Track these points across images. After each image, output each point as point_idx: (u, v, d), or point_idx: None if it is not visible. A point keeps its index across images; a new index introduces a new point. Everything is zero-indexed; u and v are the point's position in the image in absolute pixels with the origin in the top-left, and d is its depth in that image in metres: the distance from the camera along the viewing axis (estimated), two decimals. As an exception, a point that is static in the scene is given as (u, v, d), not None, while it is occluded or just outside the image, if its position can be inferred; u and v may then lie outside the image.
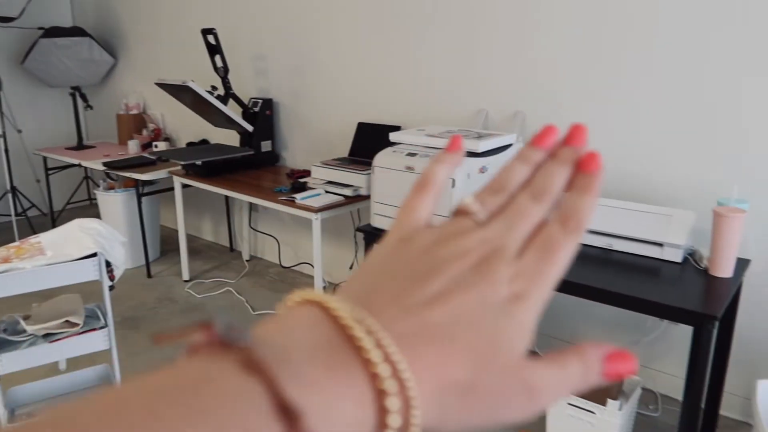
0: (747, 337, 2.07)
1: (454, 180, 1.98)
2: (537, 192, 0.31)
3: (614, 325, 2.37)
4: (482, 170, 2.07)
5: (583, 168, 0.31)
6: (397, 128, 2.82)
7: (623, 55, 2.16)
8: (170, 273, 3.54)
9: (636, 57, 2.14)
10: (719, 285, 1.75)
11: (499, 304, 0.27)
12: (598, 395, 1.81)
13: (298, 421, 0.21)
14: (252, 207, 3.68)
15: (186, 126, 4.00)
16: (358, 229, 2.28)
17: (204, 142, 3.80)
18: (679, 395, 2.26)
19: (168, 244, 4.01)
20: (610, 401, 1.78)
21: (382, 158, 2.17)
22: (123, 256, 2.13)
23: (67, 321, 1.97)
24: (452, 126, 2.63)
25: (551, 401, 0.27)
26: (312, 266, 3.42)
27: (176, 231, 4.11)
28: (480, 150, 2.06)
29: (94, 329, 1.98)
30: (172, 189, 3.44)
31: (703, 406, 2.13)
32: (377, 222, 2.22)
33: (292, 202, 2.59)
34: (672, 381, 2.26)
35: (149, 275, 3.48)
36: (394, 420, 0.23)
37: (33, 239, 2.06)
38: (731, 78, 1.97)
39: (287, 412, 0.21)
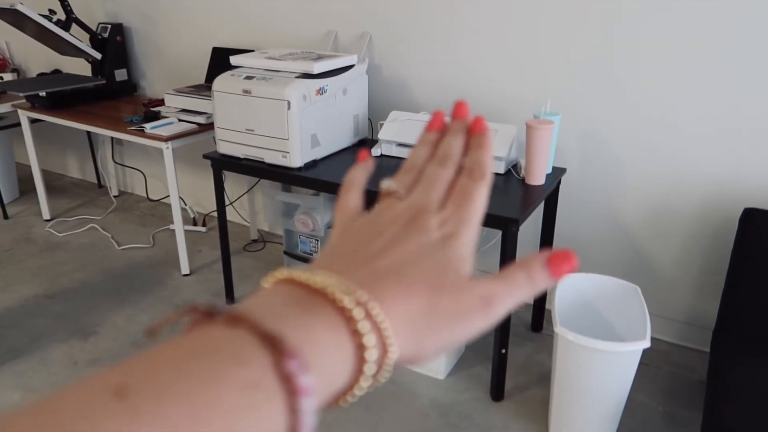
0: (568, 239, 2.28)
1: (289, 102, 1.99)
2: (441, 159, 0.37)
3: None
4: (319, 91, 2.09)
5: (474, 131, 0.38)
6: (250, 52, 2.76)
7: (457, -28, 2.20)
8: (30, 213, 3.37)
9: (468, -25, 2.18)
10: (532, 192, 1.91)
11: (434, 244, 0.32)
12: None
13: (281, 345, 0.24)
14: (115, 140, 3.52)
15: (36, 55, 3.70)
16: (205, 156, 2.25)
17: (56, 72, 3.55)
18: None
19: (28, 184, 3.78)
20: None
21: (220, 82, 2.13)
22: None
23: None
24: (299, 48, 2.60)
25: (505, 309, 0.31)
26: (181, 198, 3.37)
27: (41, 171, 3.88)
28: (315, 71, 2.06)
29: None
30: (18, 124, 3.22)
31: (532, 302, 2.36)
32: (223, 148, 2.21)
33: (141, 132, 2.51)
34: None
35: (5, 216, 3.30)
36: (371, 354, 0.26)
37: None
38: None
39: (271, 340, 0.24)
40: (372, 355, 0.27)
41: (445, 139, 0.38)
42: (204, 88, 2.72)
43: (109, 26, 3.10)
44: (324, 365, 0.25)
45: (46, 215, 3.26)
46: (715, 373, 1.61)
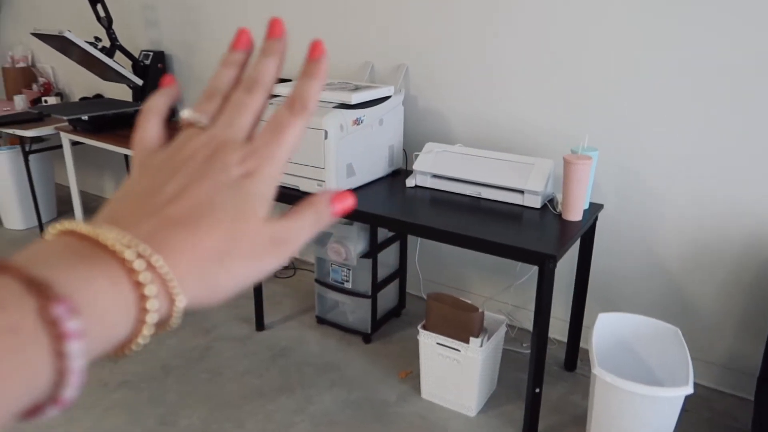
0: (603, 276, 2.24)
1: (326, 132, 2.00)
2: (248, 84, 0.35)
3: (492, 270, 2.50)
4: (356, 122, 2.10)
5: (310, 56, 0.35)
6: (287, 80, 2.80)
7: (487, 12, 2.21)
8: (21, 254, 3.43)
9: (499, 14, 2.19)
10: (569, 228, 1.88)
11: (231, 183, 0.31)
12: (463, 334, 1.93)
13: (47, 290, 0.23)
14: (151, 164, 3.58)
15: (79, 80, 3.81)
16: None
17: (98, 97, 3.65)
18: (553, 334, 2.43)
19: (67, 204, 3.87)
20: (472, 339, 1.89)
21: (258, 111, 2.16)
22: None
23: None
24: (336, 78, 2.63)
25: (296, 247, 0.32)
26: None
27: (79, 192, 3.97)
28: (353, 102, 2.08)
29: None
30: (60, 146, 3.31)
31: (566, 340, 2.30)
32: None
33: (178, 158, 2.55)
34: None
35: (43, 236, 3.36)
36: (153, 304, 0.27)
37: None
38: (591, 32, 2.06)
39: (37, 285, 0.23)
40: (153, 305, 0.27)
41: (255, 62, 0.35)
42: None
43: (151, 54, 3.19)
44: (100, 313, 0.25)
45: (82, 236, 3.31)
46: (761, 425, 1.54)
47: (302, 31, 2.74)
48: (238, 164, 0.32)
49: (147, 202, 0.30)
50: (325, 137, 2.01)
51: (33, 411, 0.24)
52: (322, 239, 2.40)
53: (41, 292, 0.23)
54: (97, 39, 3.01)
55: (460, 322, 1.92)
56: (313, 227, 0.33)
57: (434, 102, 2.46)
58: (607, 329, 1.80)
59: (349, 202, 0.35)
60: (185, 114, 0.34)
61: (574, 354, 2.25)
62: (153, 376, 2.17)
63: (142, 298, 0.26)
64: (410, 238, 2.63)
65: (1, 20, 4.19)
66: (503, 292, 2.50)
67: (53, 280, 0.24)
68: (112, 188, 3.97)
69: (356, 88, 2.18)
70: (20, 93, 3.87)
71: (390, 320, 2.56)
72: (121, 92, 3.56)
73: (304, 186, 2.12)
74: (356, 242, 2.26)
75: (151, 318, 0.27)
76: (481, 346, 1.90)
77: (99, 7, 3.00)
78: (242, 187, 0.31)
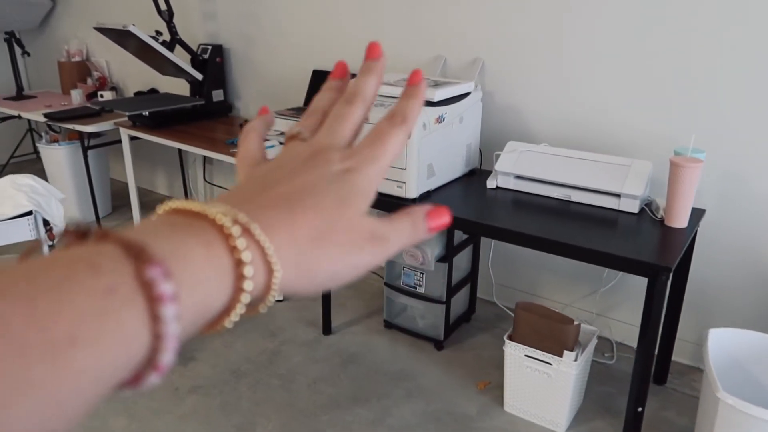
0: (699, 286, 2.09)
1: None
2: (348, 97, 0.36)
3: (573, 276, 2.38)
4: (439, 120, 2.00)
5: (409, 81, 0.37)
6: (353, 76, 2.71)
7: (583, 4, 2.08)
8: (122, 229, 3.41)
9: (594, 6, 2.05)
10: (674, 235, 1.74)
11: (333, 175, 0.32)
12: (555, 346, 1.81)
13: (142, 253, 0.23)
14: (206, 160, 3.54)
15: (133, 74, 3.78)
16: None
17: (153, 91, 3.61)
18: (633, 342, 2.30)
19: (120, 199, 3.86)
20: (566, 352, 1.78)
21: (335, 108, 2.07)
22: (61, 213, 2.01)
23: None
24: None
25: (394, 249, 0.33)
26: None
27: (128, 185, 3.96)
28: (436, 99, 1.97)
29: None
30: (120, 141, 3.28)
31: (656, 352, 2.17)
32: (332, 175, 2.14)
33: (244, 155, 2.48)
34: (627, 329, 2.29)
35: (100, 232, 3.34)
36: (249, 270, 0.26)
37: (-39, 198, 1.93)
38: (692, 28, 1.91)
39: (133, 249, 0.23)
40: (249, 271, 0.26)
41: (355, 79, 0.37)
42: (303, 111, 2.67)
43: (210, 47, 3.12)
44: (195, 278, 0.25)
45: (139, 232, 3.28)
46: None
47: (371, 22, 2.63)
48: (340, 161, 0.33)
49: (251, 190, 0.31)
50: (409, 137, 1.90)
51: (134, 380, 0.23)
52: (394, 241, 2.31)
53: (137, 255, 0.23)
54: (158, 33, 2.95)
55: (553, 334, 1.81)
56: (410, 236, 0.34)
57: (512, 99, 2.34)
58: (715, 346, 1.67)
59: (445, 219, 0.36)
60: (289, 129, 0.36)
61: (665, 367, 2.12)
62: (224, 381, 2.11)
63: (239, 264, 0.26)
64: (483, 242, 2.52)
65: (56, 14, 4.19)
66: (583, 299, 2.37)
67: (149, 244, 0.24)
68: (164, 183, 3.94)
69: (436, 84, 2.07)
70: (75, 87, 3.86)
71: (460, 326, 2.45)
72: (177, 86, 3.51)
73: (381, 187, 2.01)
74: (433, 246, 2.16)
75: (248, 285, 0.26)
76: (576, 360, 1.79)
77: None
78: (344, 179, 0.32)
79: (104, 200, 3.54)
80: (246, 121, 3.00)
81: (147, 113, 2.92)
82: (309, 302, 2.63)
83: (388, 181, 2.00)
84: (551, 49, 2.19)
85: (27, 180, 1.96)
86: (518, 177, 2.07)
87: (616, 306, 2.30)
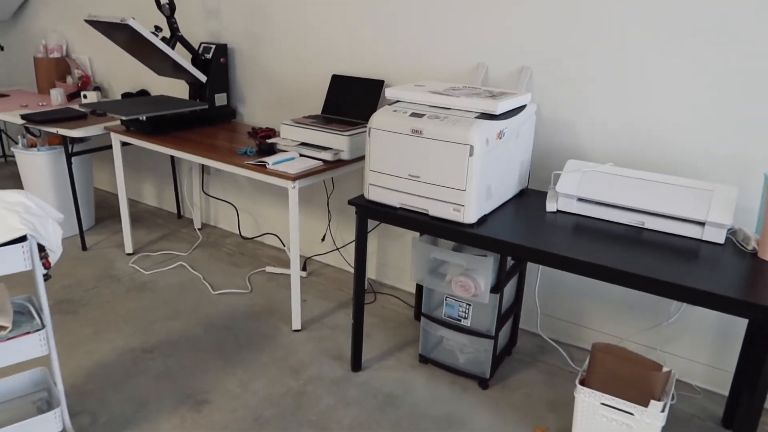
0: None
1: (472, 147, 1.67)
2: None
3: (627, 307, 2.18)
4: (500, 135, 1.77)
5: None
6: (379, 82, 2.47)
7: (636, 5, 1.89)
8: (109, 244, 3.08)
9: (653, 8, 1.87)
10: (773, 271, 1.56)
11: None
12: (638, 394, 1.60)
13: None
14: (204, 169, 3.24)
15: (120, 73, 3.45)
16: (351, 203, 1.94)
17: (143, 92, 3.29)
18: (694, 380, 2.12)
19: (103, 210, 3.51)
20: (653, 402, 1.57)
21: (381, 119, 1.82)
22: (59, 236, 1.71)
23: (-10, 324, 1.55)
24: (453, 82, 2.30)
25: None
26: (277, 237, 3.07)
27: (111, 194, 3.65)
28: (498, 111, 1.75)
29: (27, 332, 1.57)
30: (106, 147, 2.96)
31: (723, 391, 1.99)
32: (374, 194, 1.89)
33: (263, 168, 2.21)
34: (688, 365, 2.11)
35: (84, 247, 3.00)
36: None
37: (-62, 218, 1.60)
38: (781, 34, 1.74)
39: None
40: None
41: None
42: (324, 120, 2.42)
43: (213, 46, 2.83)
44: None
45: (129, 248, 2.96)
46: None
47: (401, 25, 2.39)
48: None
49: None
50: (470, 153, 1.68)
51: None
52: (437, 267, 2.07)
53: None
54: (158, 29, 2.65)
55: (637, 381, 1.60)
56: None
57: (562, 112, 2.13)
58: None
59: None
60: None
61: (733, 409, 1.93)
62: (246, 429, 1.83)
63: None
64: (530, 267, 2.31)
65: (31, 4, 3.81)
66: (639, 333, 2.17)
67: None
68: (152, 193, 3.61)
69: (492, 95, 1.85)
70: (54, 86, 3.51)
71: (503, 360, 2.23)
72: (171, 88, 3.20)
73: (435, 210, 1.78)
74: (487, 276, 1.93)
75: None
76: (663, 410, 1.58)
77: (161, -8, 2.65)
78: None
79: (88, 212, 3.20)
80: (253, 128, 2.72)
81: (144, 118, 2.61)
82: (328, 331, 2.37)
83: (444, 204, 1.76)
84: (611, 58, 1.99)
85: (18, 197, 1.66)
86: (582, 200, 1.86)
87: (675, 340, 2.12)
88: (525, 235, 1.73)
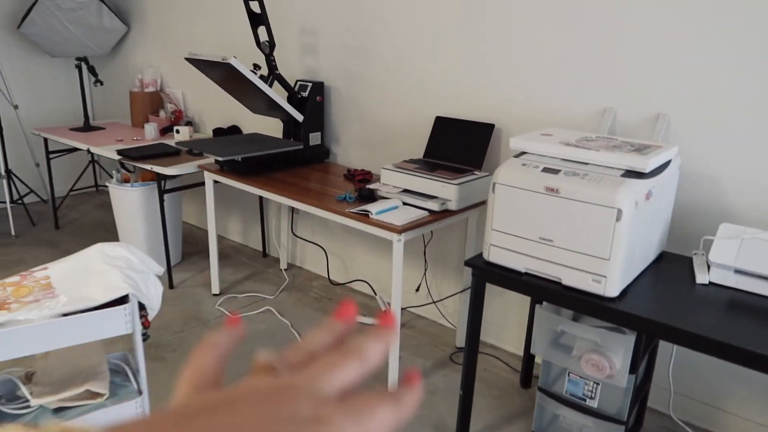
0: None
1: (620, 211, 1.45)
2: (348, 351, 0.29)
3: (780, 391, 1.87)
4: (648, 196, 1.54)
5: (381, 322, 0.31)
6: (490, 126, 2.28)
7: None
8: (195, 283, 3.01)
9: None
10: None
11: (297, 420, 0.24)
12: None
13: None
14: (293, 209, 3.14)
15: (212, 108, 3.43)
16: (469, 264, 1.74)
17: (234, 128, 3.25)
18: None
19: (189, 245, 3.47)
20: None
21: (508, 173, 1.63)
22: (160, 293, 1.60)
23: (87, 390, 1.44)
24: (573, 128, 2.08)
25: None
26: (367, 283, 2.91)
27: (198, 228, 3.63)
28: (648, 169, 1.52)
29: (123, 401, 1.46)
30: (198, 184, 2.91)
31: None
32: (495, 256, 1.69)
33: (365, 217, 2.05)
34: None
35: (171, 285, 2.94)
36: None
37: (39, 272, 1.53)
38: None
39: None
40: None
41: (362, 338, 0.30)
42: (428, 166, 2.25)
43: (310, 84, 2.74)
44: None
45: (216, 289, 2.88)
46: None
47: (515, 66, 2.20)
48: (312, 407, 0.25)
49: (182, 420, 0.23)
50: (618, 218, 1.45)
51: None
52: (557, 338, 1.84)
53: None
54: (257, 66, 2.58)
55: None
56: None
57: (703, 165, 1.88)
58: None
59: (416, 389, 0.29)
60: (261, 355, 0.29)
61: None
62: None
63: None
64: (662, 343, 2.04)
65: (129, 40, 3.89)
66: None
67: None
68: (237, 230, 3.54)
69: (635, 148, 1.62)
70: (147, 119, 3.53)
71: (627, 444, 1.95)
72: (263, 125, 3.14)
73: (569, 279, 1.56)
74: (622, 353, 1.69)
75: None
76: None
77: (261, 29, 2.58)
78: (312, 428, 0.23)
79: (176, 248, 3.16)
80: (349, 170, 2.59)
81: (240, 159, 2.53)
82: (427, 395, 2.16)
83: (581, 273, 1.54)
84: (756, 111, 1.73)
85: (121, 251, 1.56)
86: (740, 272, 1.59)
87: None
88: (674, 313, 1.48)
